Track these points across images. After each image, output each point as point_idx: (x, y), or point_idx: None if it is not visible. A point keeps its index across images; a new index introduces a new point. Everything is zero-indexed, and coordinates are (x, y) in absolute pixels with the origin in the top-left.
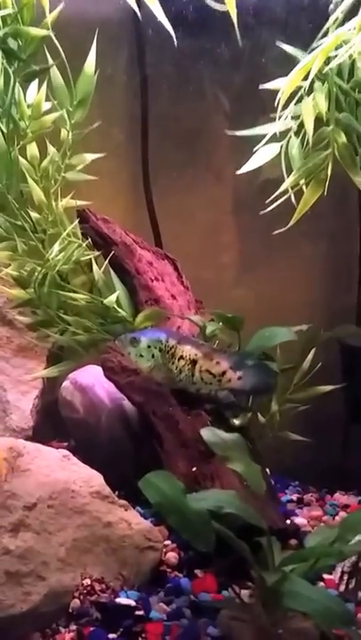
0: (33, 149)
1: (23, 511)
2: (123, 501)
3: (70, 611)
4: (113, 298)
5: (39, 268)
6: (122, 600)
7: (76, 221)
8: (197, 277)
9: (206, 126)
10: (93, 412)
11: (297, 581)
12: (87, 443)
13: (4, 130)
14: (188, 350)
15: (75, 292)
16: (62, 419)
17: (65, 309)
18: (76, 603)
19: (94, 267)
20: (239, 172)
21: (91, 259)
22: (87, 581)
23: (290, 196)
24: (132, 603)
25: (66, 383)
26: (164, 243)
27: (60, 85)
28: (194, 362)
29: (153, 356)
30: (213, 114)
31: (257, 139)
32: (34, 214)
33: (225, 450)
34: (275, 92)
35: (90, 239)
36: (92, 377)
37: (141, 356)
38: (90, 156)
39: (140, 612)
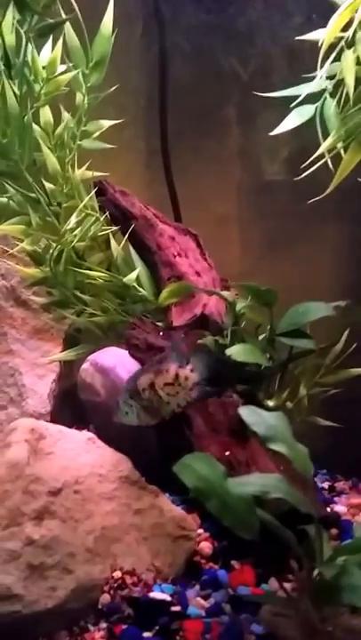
0: (47, 114)
1: (48, 497)
2: (153, 487)
3: (100, 607)
4: (133, 276)
5: (54, 244)
6: (156, 594)
7: (93, 192)
8: (218, 255)
9: (227, 97)
10: (115, 394)
11: (357, 574)
12: (108, 427)
13: (17, 92)
14: (143, 380)
15: (92, 269)
16: (80, 403)
17: (82, 289)
18: (105, 598)
19: (112, 243)
20: (273, 132)
21: (109, 234)
22: (117, 574)
23: (314, 173)
24: (168, 597)
25: (85, 365)
26: (183, 218)
27: (75, 46)
28: (152, 385)
29: (131, 405)
30: (233, 84)
31: (282, 107)
32: (48, 185)
33: (267, 429)
34: (297, 60)
35: (107, 213)
36: (113, 358)
37: (127, 413)
38: (107, 123)
39: (177, 608)
